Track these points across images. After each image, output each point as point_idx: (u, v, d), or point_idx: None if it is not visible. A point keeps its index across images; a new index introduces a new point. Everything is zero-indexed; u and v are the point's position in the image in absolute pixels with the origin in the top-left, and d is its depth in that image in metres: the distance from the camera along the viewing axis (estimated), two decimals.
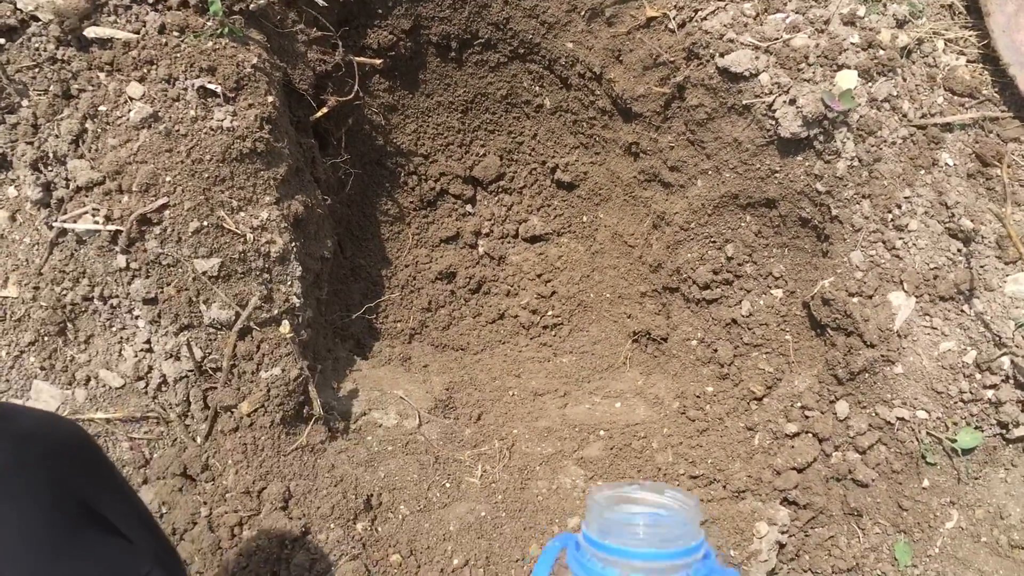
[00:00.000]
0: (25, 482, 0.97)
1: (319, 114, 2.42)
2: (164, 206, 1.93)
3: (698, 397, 2.50)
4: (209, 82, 1.97)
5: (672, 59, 2.39)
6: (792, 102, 2.15)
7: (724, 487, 2.24)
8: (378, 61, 2.57)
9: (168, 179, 1.93)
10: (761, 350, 2.44)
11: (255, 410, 2.03)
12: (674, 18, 2.36)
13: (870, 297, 2.14)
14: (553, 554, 0.95)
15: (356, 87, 2.48)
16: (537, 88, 2.92)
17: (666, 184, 2.64)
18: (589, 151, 2.96)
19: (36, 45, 1.93)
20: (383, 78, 2.76)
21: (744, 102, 2.25)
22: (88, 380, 2.04)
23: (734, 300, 2.51)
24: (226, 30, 2.02)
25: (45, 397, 2.04)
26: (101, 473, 1.16)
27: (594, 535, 0.91)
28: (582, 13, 2.59)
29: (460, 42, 2.78)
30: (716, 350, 2.53)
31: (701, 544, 0.91)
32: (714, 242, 2.54)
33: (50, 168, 1.96)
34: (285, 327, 2.07)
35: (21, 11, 1.91)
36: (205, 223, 1.97)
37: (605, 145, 2.87)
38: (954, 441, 2.09)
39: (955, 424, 2.11)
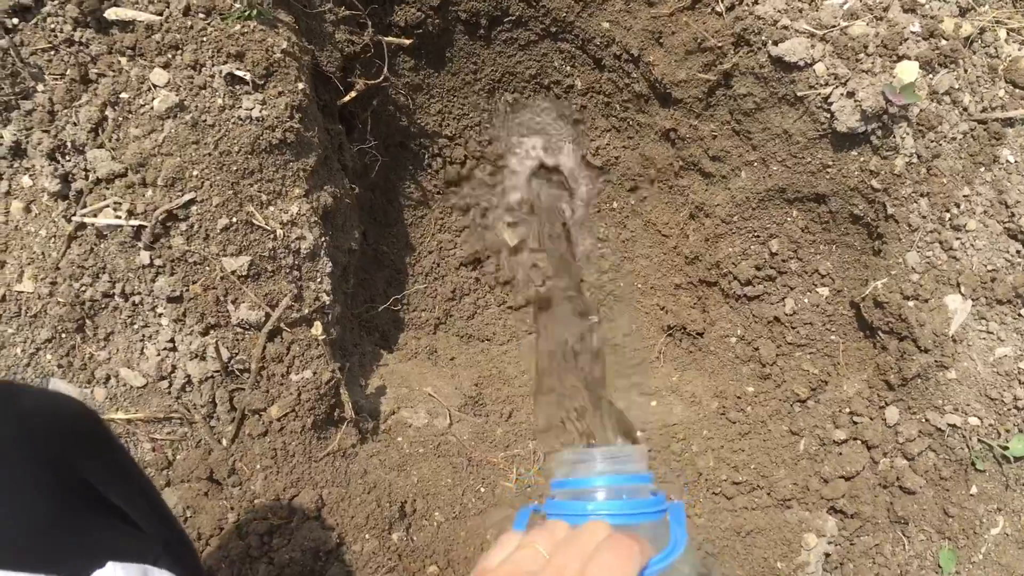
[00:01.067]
0: (26, 458, 0.92)
1: (347, 98, 2.31)
2: (191, 201, 1.82)
3: (738, 398, 2.42)
4: (237, 68, 1.86)
5: (719, 44, 2.27)
6: (851, 95, 2.04)
7: (768, 494, 2.17)
8: (408, 41, 2.45)
9: (195, 173, 1.82)
10: (805, 350, 2.35)
11: (285, 415, 1.94)
12: (722, 1, 2.24)
13: (926, 301, 2.05)
14: (527, 514, 1.02)
15: (385, 69, 2.36)
16: (568, 68, 2.80)
17: (706, 174, 2.53)
18: (621, 135, 2.85)
19: (52, 26, 1.80)
20: (408, 57, 2.64)
21: (797, 92, 2.14)
22: (108, 379, 1.95)
23: (777, 297, 2.42)
24: (255, 12, 1.90)
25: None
26: (109, 455, 1.11)
27: (560, 478, 1.01)
28: None
29: (490, 19, 2.66)
30: (757, 348, 2.45)
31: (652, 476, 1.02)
32: (758, 236, 2.44)
33: (68, 158, 1.85)
34: (317, 328, 1.98)
35: None
36: (234, 219, 1.86)
37: (639, 130, 2.76)
38: (1006, 448, 2.03)
39: (1007, 431, 2.04)
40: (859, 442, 2.16)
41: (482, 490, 2.11)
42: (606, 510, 0.93)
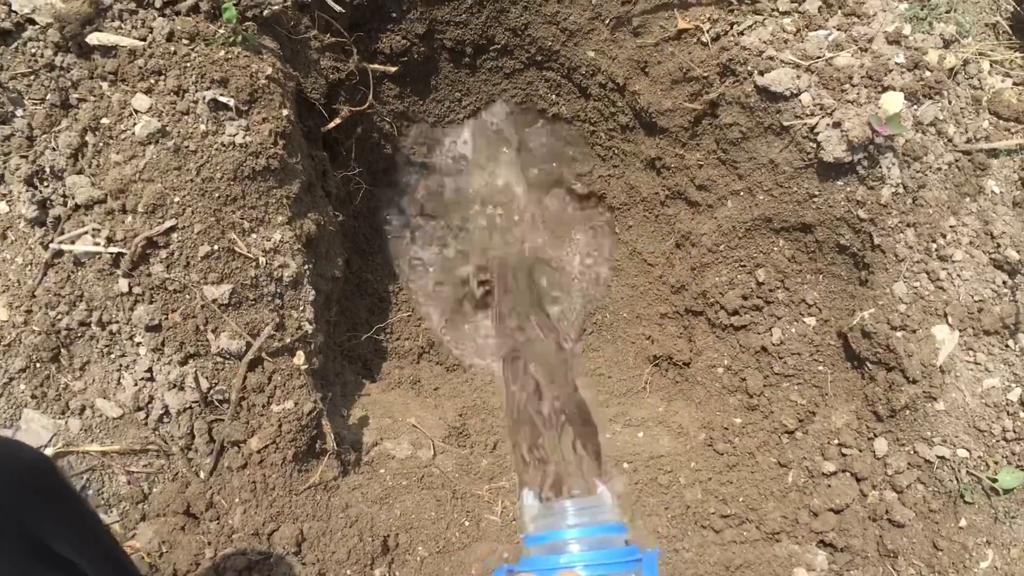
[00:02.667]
0: None
1: (331, 125, 2.28)
2: (172, 229, 1.79)
3: (726, 429, 2.39)
4: (221, 94, 1.83)
5: (705, 74, 2.27)
6: (837, 125, 2.04)
7: (758, 528, 2.14)
8: (393, 69, 2.44)
9: (177, 199, 1.79)
10: (793, 381, 2.33)
11: (265, 447, 1.90)
12: (707, 31, 2.24)
13: (914, 331, 2.04)
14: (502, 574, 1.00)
15: (371, 96, 2.35)
16: (553, 96, 2.80)
17: (692, 203, 2.53)
18: (607, 164, 2.84)
19: (33, 50, 1.78)
20: (393, 84, 2.63)
21: (783, 122, 2.14)
22: (83, 409, 1.90)
23: (764, 327, 2.41)
24: (239, 38, 1.88)
25: (36, 427, 1.90)
26: (62, 506, 1.07)
27: (532, 532, 1.03)
28: (607, 21, 2.47)
29: (475, 47, 2.66)
30: (744, 379, 2.43)
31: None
32: (744, 266, 2.43)
33: (46, 184, 1.82)
34: (299, 358, 1.94)
35: (16, 13, 1.76)
36: (215, 247, 1.83)
37: (625, 158, 2.75)
38: (994, 480, 2.01)
39: (996, 463, 2.02)
40: (848, 474, 2.14)
41: (466, 523, 2.07)
42: (579, 562, 0.94)
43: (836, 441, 2.18)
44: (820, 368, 2.29)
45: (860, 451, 2.14)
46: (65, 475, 1.17)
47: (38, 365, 1.87)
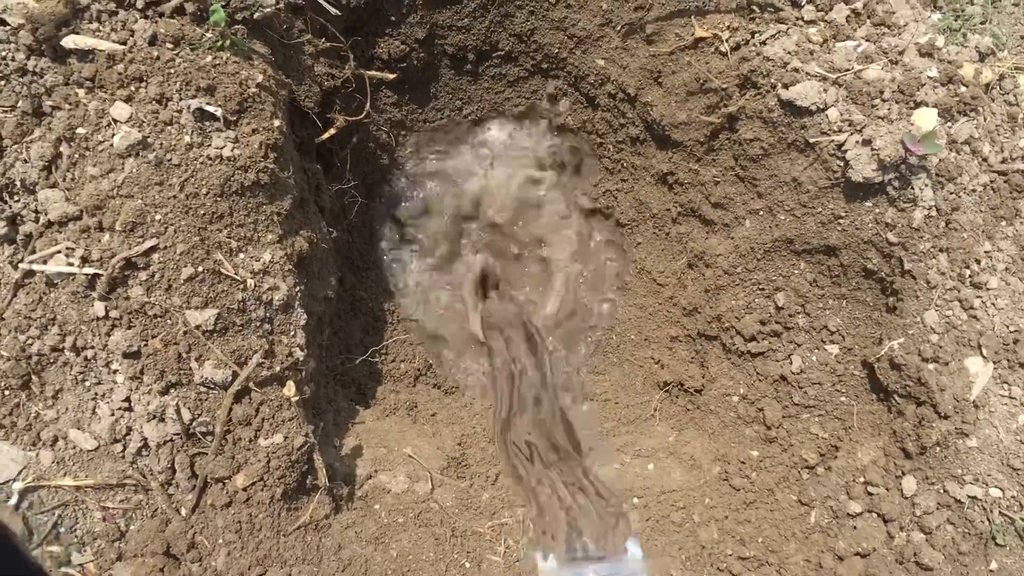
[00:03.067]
0: None
1: (326, 135, 2.15)
2: (152, 248, 1.65)
3: (742, 462, 2.26)
4: (207, 103, 1.69)
5: (723, 86, 2.15)
6: (867, 143, 1.92)
7: (779, 572, 2.01)
8: (392, 75, 2.30)
9: (158, 217, 1.65)
10: (813, 412, 2.21)
11: (252, 484, 1.76)
12: (727, 40, 2.12)
13: (946, 364, 1.92)
14: None
15: (368, 105, 2.21)
16: (559, 107, 2.67)
17: (707, 221, 2.40)
18: (614, 177, 2.71)
19: (3, 53, 1.63)
20: (391, 91, 2.50)
21: (808, 139, 2.01)
22: (55, 440, 1.76)
23: (783, 354, 2.28)
24: (228, 42, 1.74)
25: (4, 459, 1.76)
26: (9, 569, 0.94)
27: None
28: (618, 28, 2.34)
29: (478, 54, 2.52)
30: (762, 409, 2.30)
31: None
32: (762, 289, 2.30)
33: (16, 198, 1.68)
34: (290, 388, 1.80)
35: None
36: (200, 268, 1.69)
37: (634, 172, 2.63)
38: None
39: None
40: (875, 515, 2.02)
41: (467, 565, 1.93)
42: None
43: (862, 479, 2.06)
44: (843, 399, 2.17)
45: (887, 490, 2.02)
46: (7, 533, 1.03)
47: (7, 392, 1.73)
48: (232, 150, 1.72)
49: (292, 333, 1.87)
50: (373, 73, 2.27)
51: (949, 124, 1.93)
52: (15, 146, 1.66)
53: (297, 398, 1.81)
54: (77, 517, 1.76)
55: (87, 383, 1.74)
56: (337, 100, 2.23)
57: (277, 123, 1.81)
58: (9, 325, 1.70)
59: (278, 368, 1.81)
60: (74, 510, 1.76)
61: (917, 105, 1.93)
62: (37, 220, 1.67)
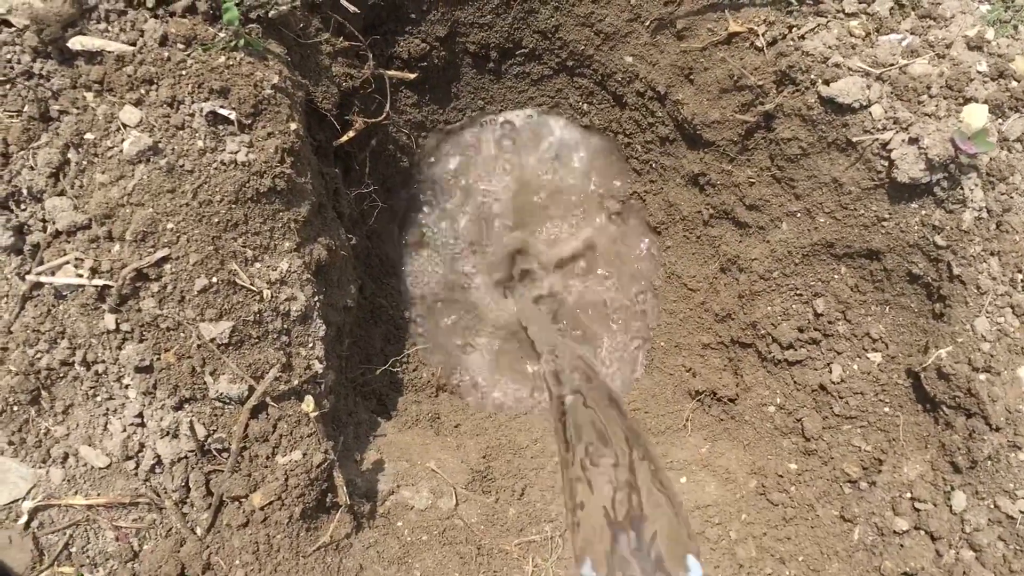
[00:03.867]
0: None
1: (345, 138, 2.07)
2: (164, 259, 1.58)
3: (780, 476, 2.17)
4: (221, 106, 1.62)
5: (759, 83, 2.05)
6: (914, 141, 1.82)
7: None
8: (412, 75, 2.22)
9: (170, 226, 1.57)
10: (855, 423, 2.10)
11: (270, 503, 1.68)
12: (763, 35, 2.02)
13: (999, 374, 1.81)
14: None
15: (388, 106, 2.13)
16: (585, 105, 2.58)
17: (741, 224, 2.30)
18: (643, 178, 2.62)
19: (8, 56, 1.57)
20: (411, 92, 2.42)
21: (851, 138, 1.91)
22: (66, 458, 1.69)
23: (822, 363, 2.18)
24: (242, 42, 1.66)
25: (13, 477, 1.69)
26: None
27: None
28: (647, 23, 2.25)
29: (501, 52, 2.44)
30: (800, 420, 2.20)
31: None
32: (800, 295, 2.20)
33: (23, 207, 1.61)
34: (308, 403, 1.72)
35: None
36: (214, 279, 1.61)
37: (663, 173, 2.53)
38: None
39: None
40: (922, 532, 1.91)
41: None
42: None
43: (908, 494, 1.95)
44: (887, 410, 2.07)
45: (935, 506, 1.92)
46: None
47: (15, 408, 1.66)
48: (247, 155, 1.64)
49: (311, 345, 1.80)
50: (393, 73, 2.19)
51: (1000, 121, 1.83)
52: (21, 152, 1.59)
53: (316, 413, 1.74)
54: (89, 537, 1.70)
55: (98, 398, 1.68)
56: (356, 101, 2.15)
57: (294, 126, 1.73)
58: (17, 339, 1.63)
59: (296, 382, 1.74)
60: (86, 529, 1.70)
61: (966, 101, 1.83)
62: (45, 230, 1.61)
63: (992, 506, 1.85)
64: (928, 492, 1.93)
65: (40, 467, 1.69)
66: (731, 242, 2.36)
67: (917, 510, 1.94)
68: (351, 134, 2.09)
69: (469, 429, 2.37)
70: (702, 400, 2.50)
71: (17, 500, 1.68)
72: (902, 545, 1.93)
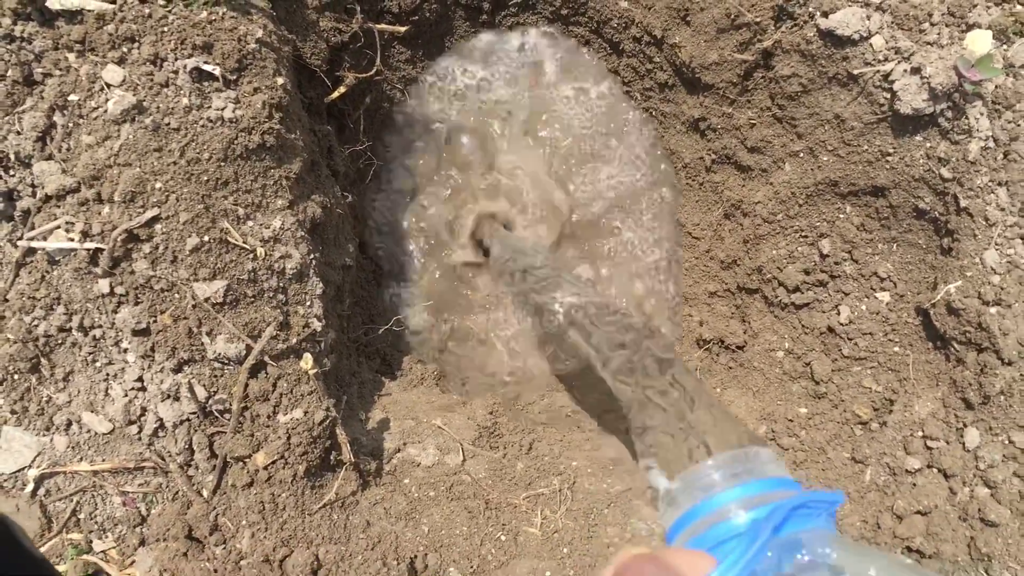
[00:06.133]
0: None
1: (336, 94, 2.03)
2: (155, 219, 1.56)
3: (790, 420, 2.14)
4: (205, 62, 1.59)
5: (757, 19, 2.00)
6: (916, 71, 1.77)
7: None
8: (403, 29, 2.18)
9: (159, 185, 1.55)
10: (865, 364, 2.07)
11: (273, 462, 1.67)
12: None
13: (1009, 306, 1.78)
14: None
15: (378, 61, 2.09)
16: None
17: (743, 168, 2.26)
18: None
19: None
20: (404, 47, 2.38)
21: (852, 71, 1.86)
22: (69, 425, 1.69)
23: (829, 305, 2.14)
24: None
25: (18, 446, 1.69)
26: (12, 567, 0.92)
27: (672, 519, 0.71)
28: None
29: (493, 2, 2.39)
30: (809, 363, 2.17)
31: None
32: (805, 237, 2.16)
33: (12, 172, 1.59)
34: (307, 361, 1.71)
35: None
36: (206, 238, 1.59)
37: (664, 120, 2.49)
38: None
39: None
40: (936, 470, 1.88)
41: (503, 538, 1.84)
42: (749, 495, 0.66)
43: (920, 433, 1.92)
44: (897, 350, 2.03)
45: (948, 443, 1.89)
46: (12, 531, 0.96)
47: (16, 377, 1.65)
48: (234, 111, 1.62)
49: (308, 303, 1.78)
50: (383, 27, 2.15)
51: (1005, 47, 1.77)
52: (7, 117, 1.57)
53: (315, 371, 1.72)
54: (96, 503, 1.70)
55: (98, 364, 1.67)
56: (346, 57, 2.11)
57: (281, 81, 1.70)
58: (13, 307, 1.62)
59: (294, 340, 1.72)
60: (93, 496, 1.70)
61: (969, 28, 1.78)
62: (34, 195, 1.59)
63: (1007, 441, 1.82)
64: (940, 430, 1.90)
65: (44, 435, 1.68)
66: (734, 187, 2.32)
67: (929, 448, 1.91)
68: (342, 90, 2.05)
69: (475, 387, 2.35)
70: (710, 349, 2.47)
71: (23, 468, 1.68)
72: (915, 484, 1.90)
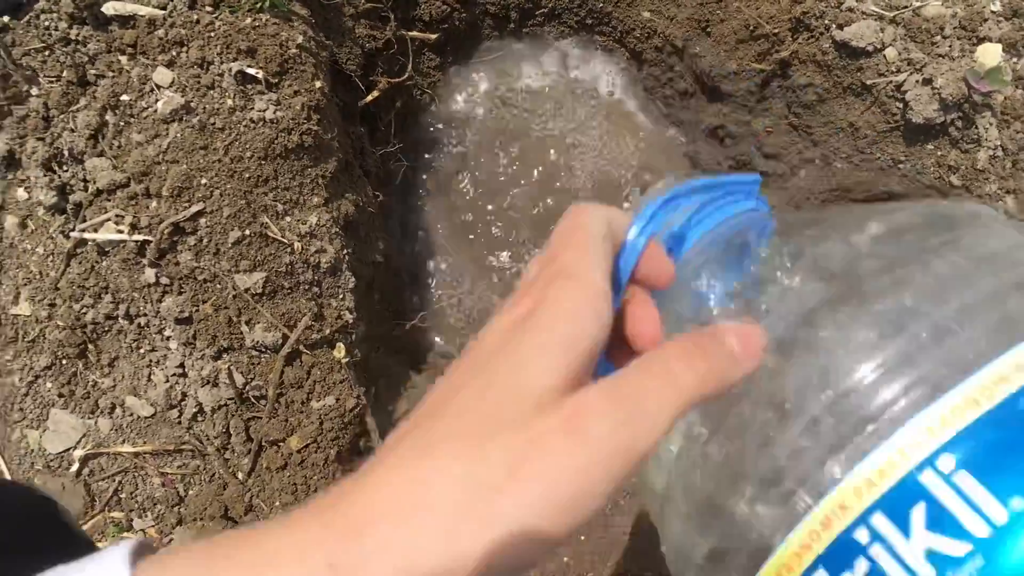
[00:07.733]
0: None
1: (369, 98, 2.13)
2: (199, 213, 1.65)
3: None
4: (248, 66, 1.68)
5: (775, 31, 2.07)
6: (927, 82, 1.84)
7: None
8: (433, 36, 2.27)
9: (204, 181, 1.64)
10: None
11: (306, 446, 1.76)
12: None
13: None
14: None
15: (410, 67, 2.18)
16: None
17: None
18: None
19: (46, 23, 1.64)
20: (434, 54, 2.47)
21: (865, 81, 1.93)
22: (113, 408, 1.78)
23: None
24: (267, 4, 1.72)
25: (64, 427, 1.78)
26: (58, 547, 0.91)
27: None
28: None
29: (520, 12, 2.48)
30: None
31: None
32: None
33: (65, 168, 1.69)
34: (340, 350, 1.79)
35: None
36: (247, 232, 1.68)
37: (683, 127, 2.56)
38: None
39: None
40: None
41: None
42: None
43: None
44: None
45: None
46: (60, 511, 0.99)
47: (64, 362, 1.75)
48: (275, 112, 1.71)
49: (341, 296, 1.86)
50: (415, 34, 2.24)
51: (1015, 60, 1.84)
52: (62, 116, 1.67)
53: (347, 360, 1.81)
54: (137, 483, 1.78)
55: (141, 350, 1.76)
56: (379, 62, 2.20)
57: (319, 84, 1.80)
58: (64, 295, 1.72)
59: (328, 331, 1.81)
60: (134, 476, 1.78)
61: (980, 41, 1.84)
62: (86, 189, 1.68)
63: None
64: None
65: (89, 418, 1.77)
66: None
67: None
68: (375, 94, 2.14)
69: None
70: None
71: (68, 449, 1.77)
72: None
